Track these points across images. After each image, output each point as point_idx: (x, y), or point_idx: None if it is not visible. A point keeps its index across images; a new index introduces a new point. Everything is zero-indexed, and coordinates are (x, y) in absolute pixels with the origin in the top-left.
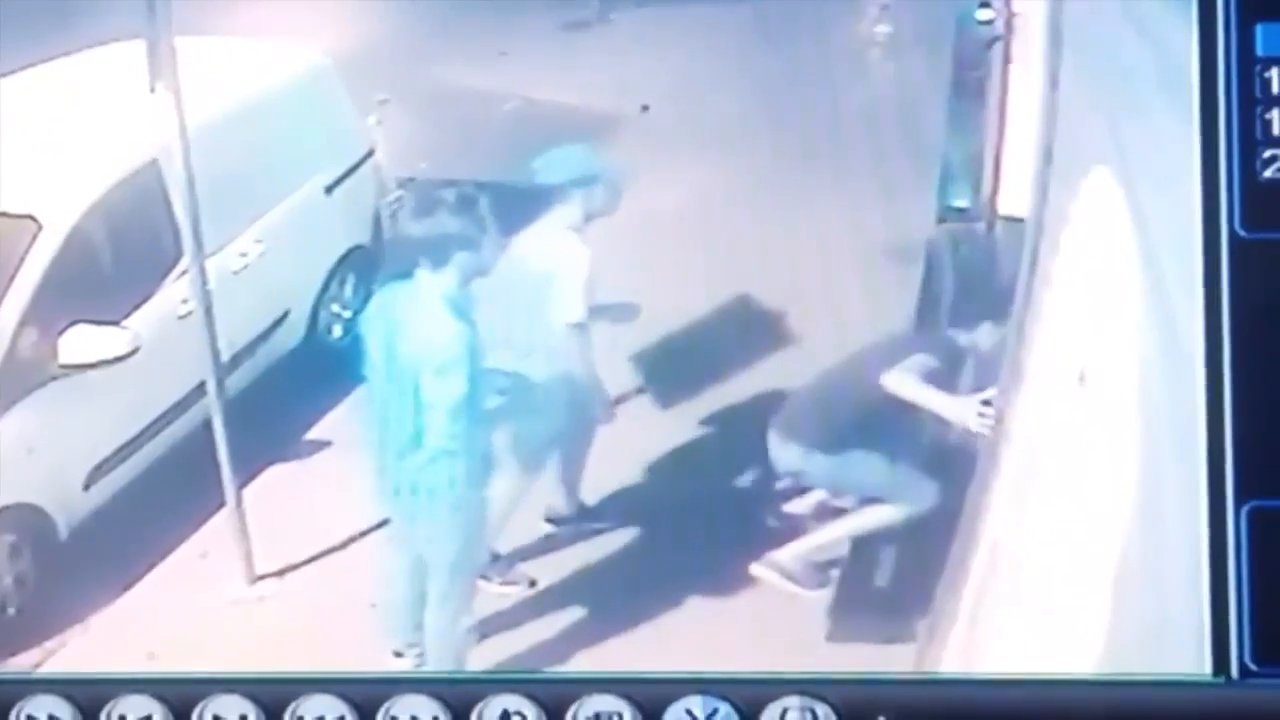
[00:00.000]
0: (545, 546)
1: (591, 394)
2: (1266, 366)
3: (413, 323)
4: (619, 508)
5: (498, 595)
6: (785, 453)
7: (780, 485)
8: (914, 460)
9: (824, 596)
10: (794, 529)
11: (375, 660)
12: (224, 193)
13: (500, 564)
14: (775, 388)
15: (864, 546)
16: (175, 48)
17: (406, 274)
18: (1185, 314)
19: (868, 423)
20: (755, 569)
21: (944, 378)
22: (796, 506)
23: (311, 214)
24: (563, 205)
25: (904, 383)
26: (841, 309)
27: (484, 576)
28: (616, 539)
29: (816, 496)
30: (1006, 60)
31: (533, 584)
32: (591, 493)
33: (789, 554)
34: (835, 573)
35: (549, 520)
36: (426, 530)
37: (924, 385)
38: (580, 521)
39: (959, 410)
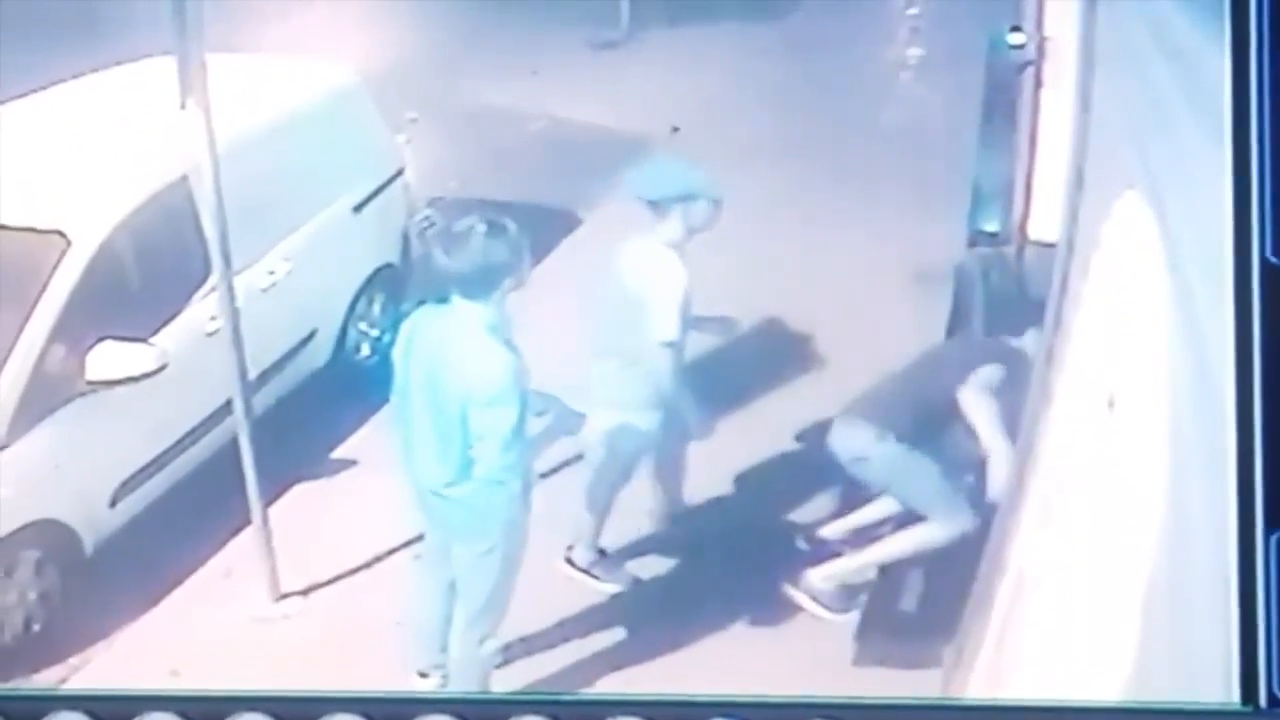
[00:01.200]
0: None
1: (682, 410)
2: None
3: (455, 353)
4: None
5: (597, 591)
6: (855, 434)
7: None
8: (960, 481)
9: (849, 620)
10: (824, 553)
11: (399, 680)
12: (253, 210)
13: (607, 562)
14: (802, 409)
15: (890, 571)
16: (206, 64)
17: (442, 301)
18: (1215, 340)
19: (935, 428)
20: (788, 589)
21: (1008, 387)
22: (829, 531)
23: (340, 232)
24: (664, 221)
25: (977, 406)
26: (870, 332)
27: (587, 572)
28: (642, 563)
29: (851, 522)
30: (1038, 84)
31: (636, 582)
32: (615, 511)
33: (821, 575)
34: (863, 598)
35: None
36: (466, 556)
37: (991, 419)
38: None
39: (1003, 458)
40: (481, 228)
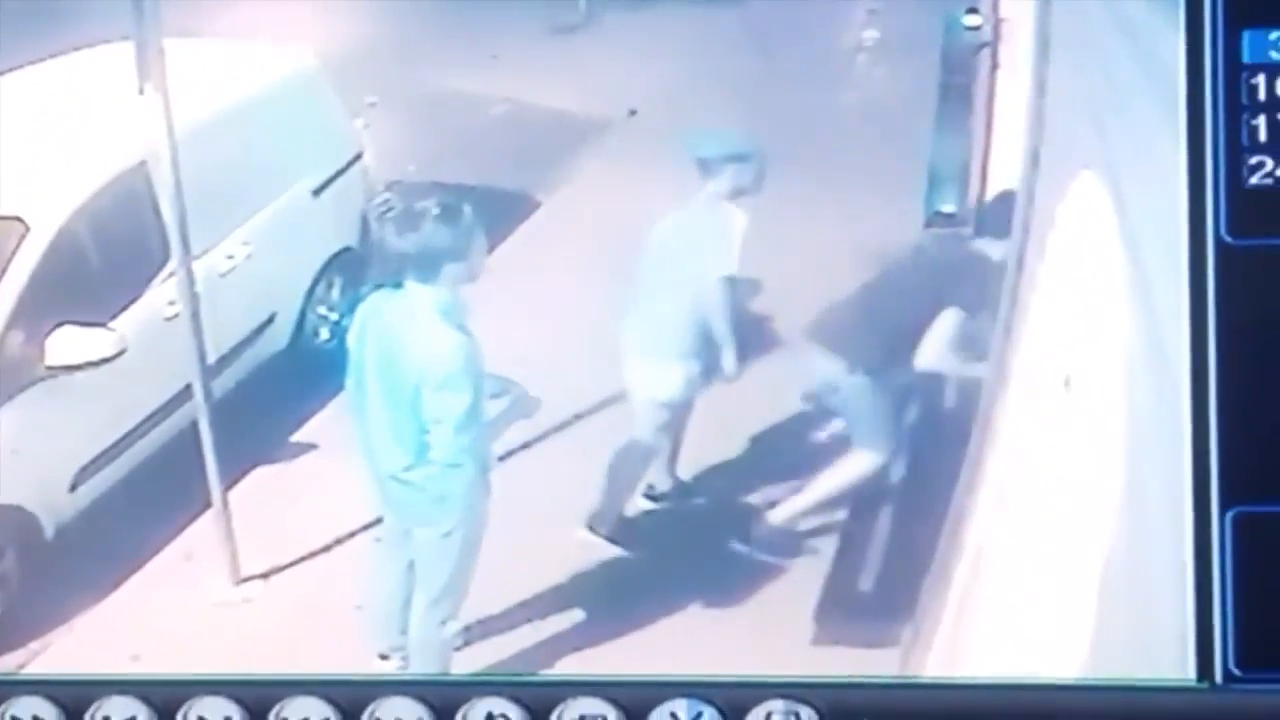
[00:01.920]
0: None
1: (725, 349)
2: (1251, 372)
3: (408, 337)
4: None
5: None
6: (828, 365)
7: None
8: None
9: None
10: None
11: (360, 663)
12: (212, 195)
13: (630, 527)
14: (759, 389)
15: (848, 551)
16: (164, 49)
17: (395, 285)
18: (1171, 319)
19: (898, 363)
20: (734, 545)
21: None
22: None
23: (299, 216)
24: (714, 179)
25: (936, 359)
26: (829, 312)
27: (611, 539)
28: (603, 542)
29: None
30: (994, 66)
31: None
32: (577, 497)
33: (765, 525)
34: (809, 543)
35: (648, 497)
36: (425, 539)
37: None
38: (678, 498)
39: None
40: (435, 210)
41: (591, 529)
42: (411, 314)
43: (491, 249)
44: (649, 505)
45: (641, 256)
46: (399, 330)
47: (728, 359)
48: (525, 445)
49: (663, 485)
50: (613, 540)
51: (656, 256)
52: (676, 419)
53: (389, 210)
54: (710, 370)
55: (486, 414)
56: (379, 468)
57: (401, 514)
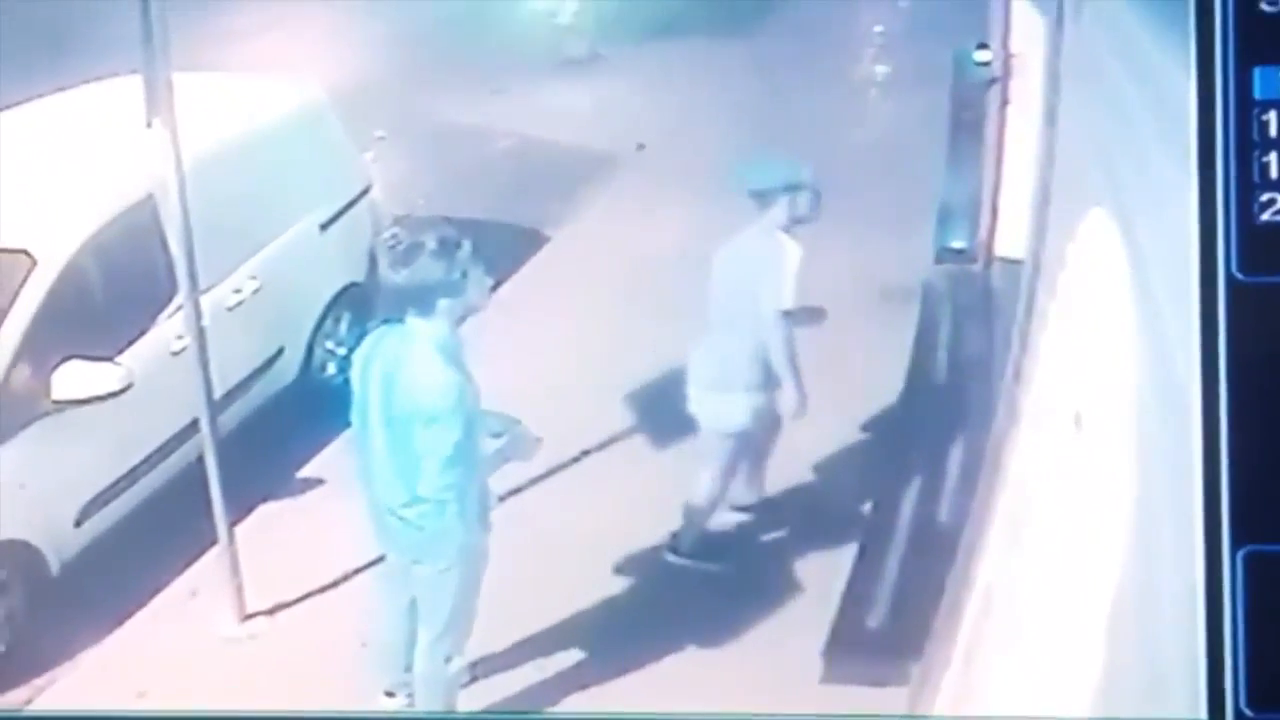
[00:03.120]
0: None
1: (782, 384)
2: (1263, 410)
3: (405, 372)
4: (611, 543)
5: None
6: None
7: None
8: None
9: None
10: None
11: (366, 700)
12: (219, 229)
13: (710, 547)
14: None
15: (857, 588)
16: (172, 83)
17: (398, 320)
18: (1182, 357)
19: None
20: (668, 556)
21: None
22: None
23: (307, 251)
24: (770, 210)
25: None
26: (838, 348)
27: (692, 558)
28: (610, 580)
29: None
30: (1004, 101)
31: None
32: (583, 531)
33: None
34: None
35: (735, 509)
36: (425, 575)
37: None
38: (762, 511)
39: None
40: (431, 245)
41: (674, 551)
42: (409, 349)
43: (499, 284)
44: (739, 517)
45: (708, 286)
46: (399, 365)
47: (788, 394)
48: (532, 481)
49: (749, 500)
50: (693, 559)
51: (718, 287)
52: (750, 447)
53: (397, 245)
54: (774, 403)
55: (483, 451)
56: (379, 503)
57: (401, 550)
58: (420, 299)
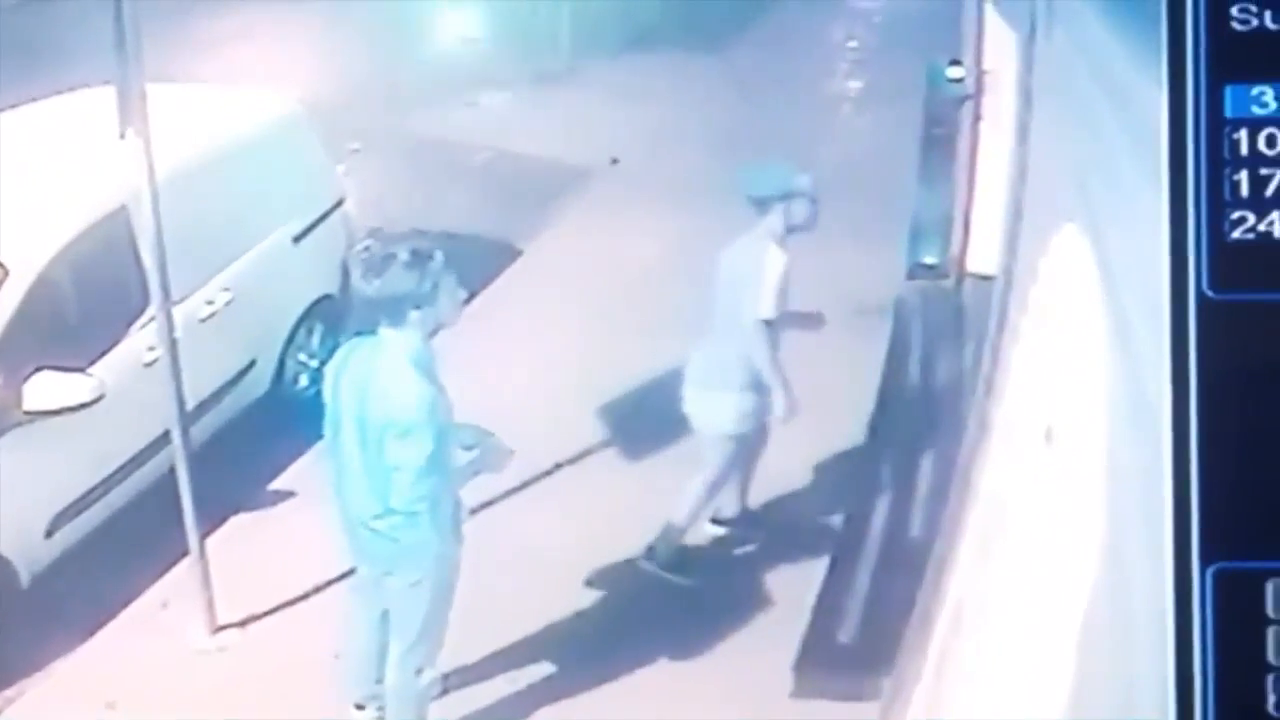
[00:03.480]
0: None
1: (771, 390)
2: (1233, 427)
3: (377, 383)
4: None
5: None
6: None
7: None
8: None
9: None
10: None
11: (336, 712)
12: (192, 240)
13: (687, 560)
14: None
15: (828, 603)
16: (146, 94)
17: (370, 331)
18: (1152, 373)
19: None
20: (640, 563)
21: None
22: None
23: (280, 263)
24: (767, 216)
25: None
26: (811, 361)
27: (666, 571)
28: (583, 593)
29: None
30: (976, 118)
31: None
32: (558, 544)
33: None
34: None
35: (715, 522)
36: (397, 587)
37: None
38: (744, 526)
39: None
40: (404, 255)
41: (649, 560)
42: (381, 360)
43: (473, 296)
44: (717, 531)
45: (712, 286)
46: (370, 377)
47: (777, 399)
48: (505, 493)
49: (729, 512)
50: (667, 571)
51: (718, 288)
52: (742, 451)
53: (366, 257)
54: (764, 405)
55: (455, 463)
56: (352, 515)
57: (373, 562)
58: (392, 310)
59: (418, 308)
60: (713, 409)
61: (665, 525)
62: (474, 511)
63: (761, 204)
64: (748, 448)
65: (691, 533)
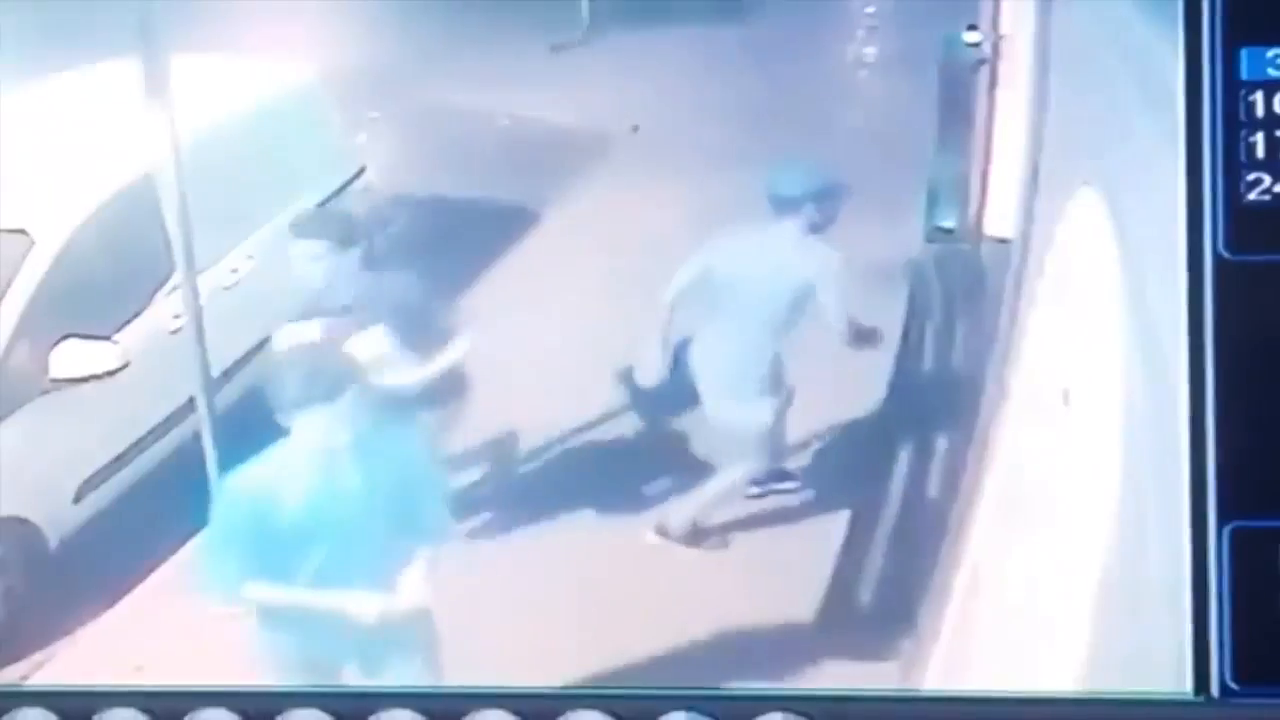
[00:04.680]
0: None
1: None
2: (1249, 387)
3: None
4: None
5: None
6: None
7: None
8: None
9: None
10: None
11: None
12: (217, 209)
13: (699, 534)
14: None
15: (847, 563)
16: (169, 64)
17: None
18: (1169, 335)
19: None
20: (649, 537)
21: None
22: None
23: None
24: (793, 216)
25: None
26: (828, 326)
27: (679, 541)
28: (599, 562)
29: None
30: (993, 83)
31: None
32: (576, 508)
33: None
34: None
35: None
36: None
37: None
38: (776, 480)
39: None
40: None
41: (662, 534)
42: None
43: (491, 263)
44: (752, 491)
45: (705, 279)
46: None
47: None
48: (526, 458)
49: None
50: (682, 541)
51: (727, 284)
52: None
53: (391, 226)
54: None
55: None
56: None
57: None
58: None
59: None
60: (750, 416)
61: (690, 503)
62: (488, 479)
63: (789, 204)
64: (766, 432)
65: (720, 511)
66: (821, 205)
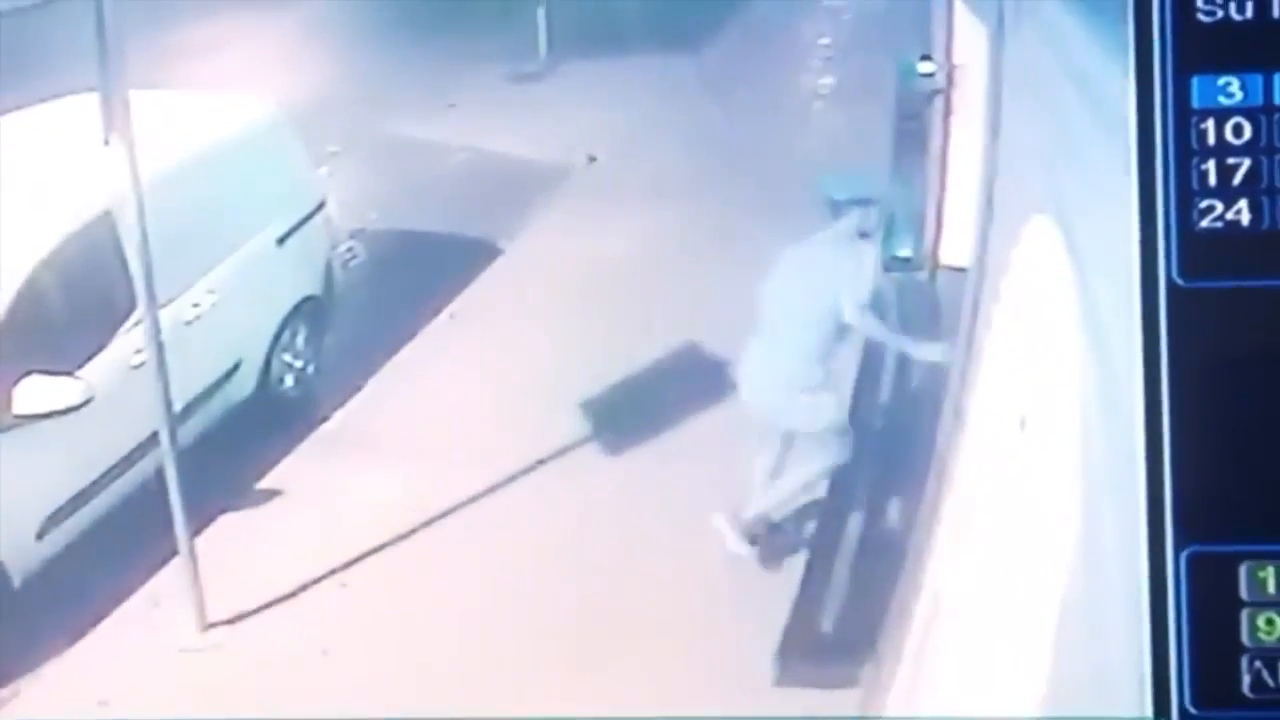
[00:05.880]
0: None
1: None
2: (1204, 412)
3: None
4: (567, 552)
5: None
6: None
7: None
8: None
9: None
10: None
11: (325, 708)
12: (177, 244)
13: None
14: (718, 431)
15: (809, 592)
16: (129, 101)
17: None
18: (1124, 360)
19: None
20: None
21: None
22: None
23: (264, 265)
24: (842, 219)
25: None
26: None
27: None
28: (562, 582)
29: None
30: (948, 111)
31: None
32: (539, 540)
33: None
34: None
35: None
36: None
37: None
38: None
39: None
40: None
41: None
42: None
43: (454, 295)
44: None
45: (764, 288)
46: None
47: (929, 351)
48: (487, 490)
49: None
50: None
51: (787, 289)
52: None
53: (353, 258)
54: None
55: None
56: None
57: None
58: None
59: None
60: (811, 410)
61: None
62: (451, 511)
63: (837, 208)
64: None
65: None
66: (866, 212)
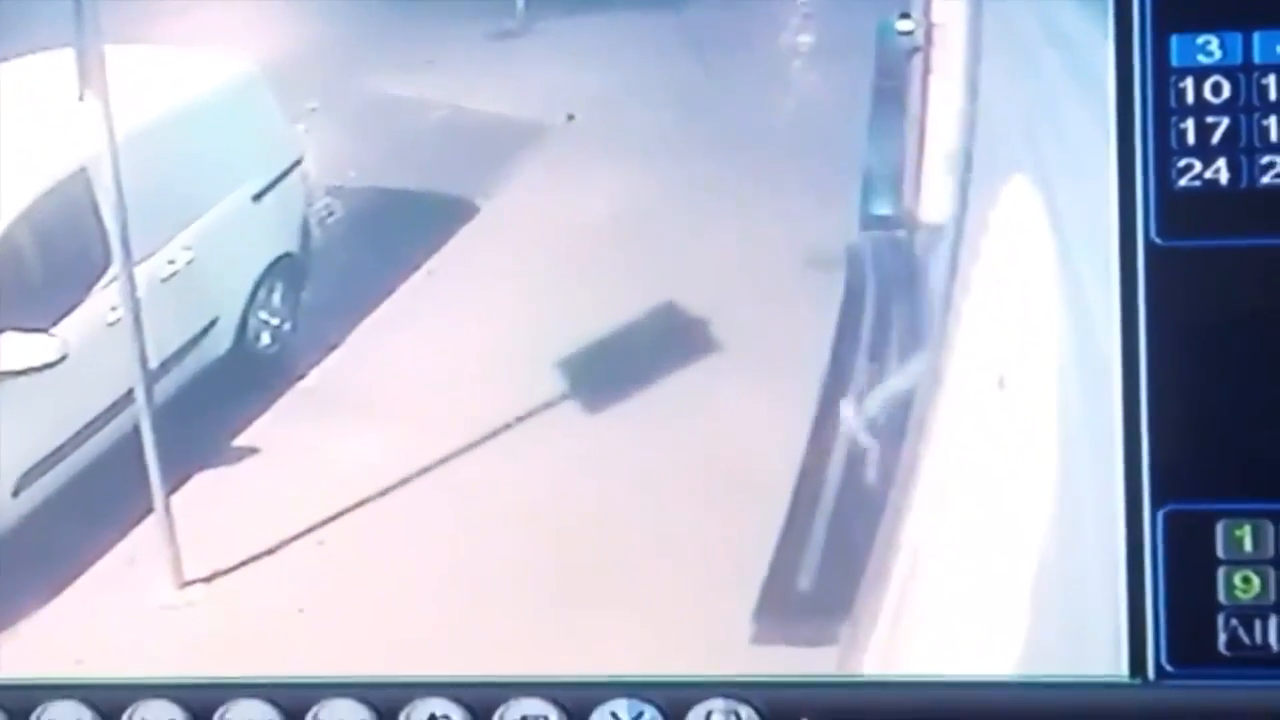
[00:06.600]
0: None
1: None
2: (1181, 370)
3: None
4: (544, 510)
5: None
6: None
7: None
8: None
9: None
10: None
11: (302, 665)
12: (153, 200)
13: None
14: (699, 394)
15: (786, 550)
16: (104, 56)
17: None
18: (1102, 320)
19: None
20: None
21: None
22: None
23: (240, 222)
24: None
25: None
26: (766, 316)
27: None
28: (540, 542)
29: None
30: (926, 70)
31: None
32: (517, 497)
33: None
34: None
35: None
36: None
37: None
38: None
39: None
40: None
41: None
42: None
43: (431, 253)
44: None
45: None
46: None
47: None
48: (465, 449)
49: None
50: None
51: None
52: None
53: (330, 215)
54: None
55: None
56: None
57: None
58: None
59: None
60: None
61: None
62: (430, 468)
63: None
64: None
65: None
66: None
